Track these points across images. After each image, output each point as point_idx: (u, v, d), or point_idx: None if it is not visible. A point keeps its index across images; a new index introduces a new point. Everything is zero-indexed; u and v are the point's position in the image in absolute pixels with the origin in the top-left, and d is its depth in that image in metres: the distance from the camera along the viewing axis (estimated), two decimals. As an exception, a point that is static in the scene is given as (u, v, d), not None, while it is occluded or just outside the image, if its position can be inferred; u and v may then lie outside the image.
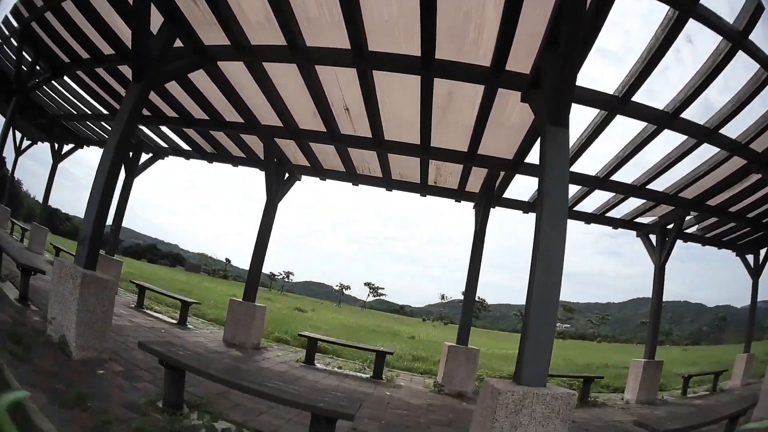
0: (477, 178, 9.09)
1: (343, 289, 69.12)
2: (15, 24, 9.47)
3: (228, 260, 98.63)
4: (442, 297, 71.75)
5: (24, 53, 9.78)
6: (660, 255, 9.85)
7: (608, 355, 24.47)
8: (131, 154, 12.32)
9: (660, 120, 6.02)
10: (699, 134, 6.29)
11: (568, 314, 65.45)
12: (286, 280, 73.57)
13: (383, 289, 66.24)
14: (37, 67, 10.03)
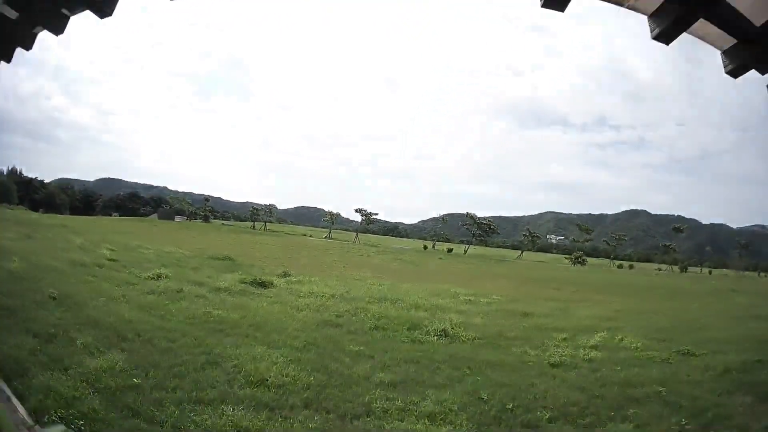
0: None
1: (333, 219, 61.76)
2: None
3: (207, 198, 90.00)
4: (443, 219, 64.53)
5: None
6: None
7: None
8: None
9: None
10: None
11: (586, 234, 58.95)
12: (269, 216, 65.44)
13: (376, 214, 58.77)
14: None
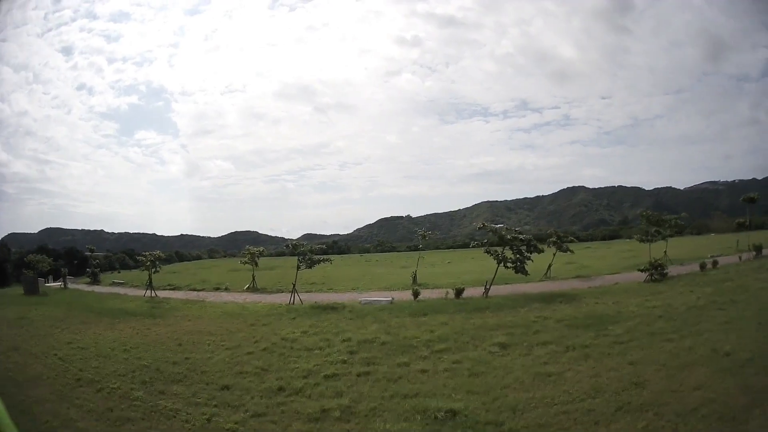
0: None
1: (254, 258, 37.00)
2: None
3: (92, 249, 61.56)
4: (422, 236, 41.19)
5: None
6: None
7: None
8: None
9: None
10: None
11: (654, 227, 35.85)
12: (154, 268, 38.74)
13: (321, 246, 35.44)
14: None
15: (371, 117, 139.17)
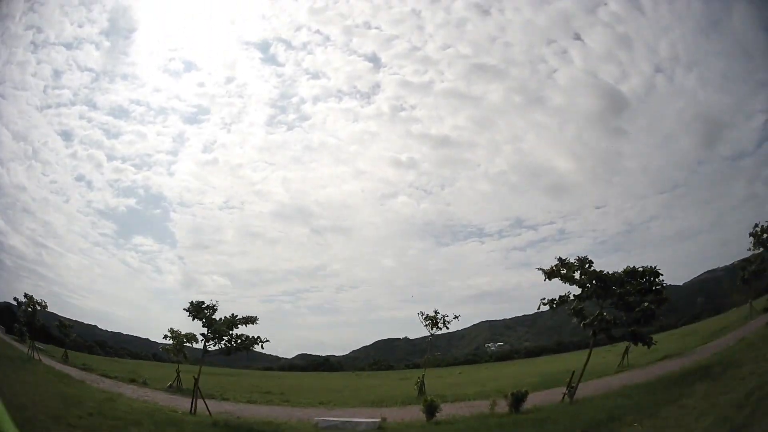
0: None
1: (180, 348, 24.82)
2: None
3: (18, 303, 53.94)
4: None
5: None
6: None
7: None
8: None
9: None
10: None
11: None
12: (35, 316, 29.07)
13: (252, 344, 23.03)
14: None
15: (367, 240, 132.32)
